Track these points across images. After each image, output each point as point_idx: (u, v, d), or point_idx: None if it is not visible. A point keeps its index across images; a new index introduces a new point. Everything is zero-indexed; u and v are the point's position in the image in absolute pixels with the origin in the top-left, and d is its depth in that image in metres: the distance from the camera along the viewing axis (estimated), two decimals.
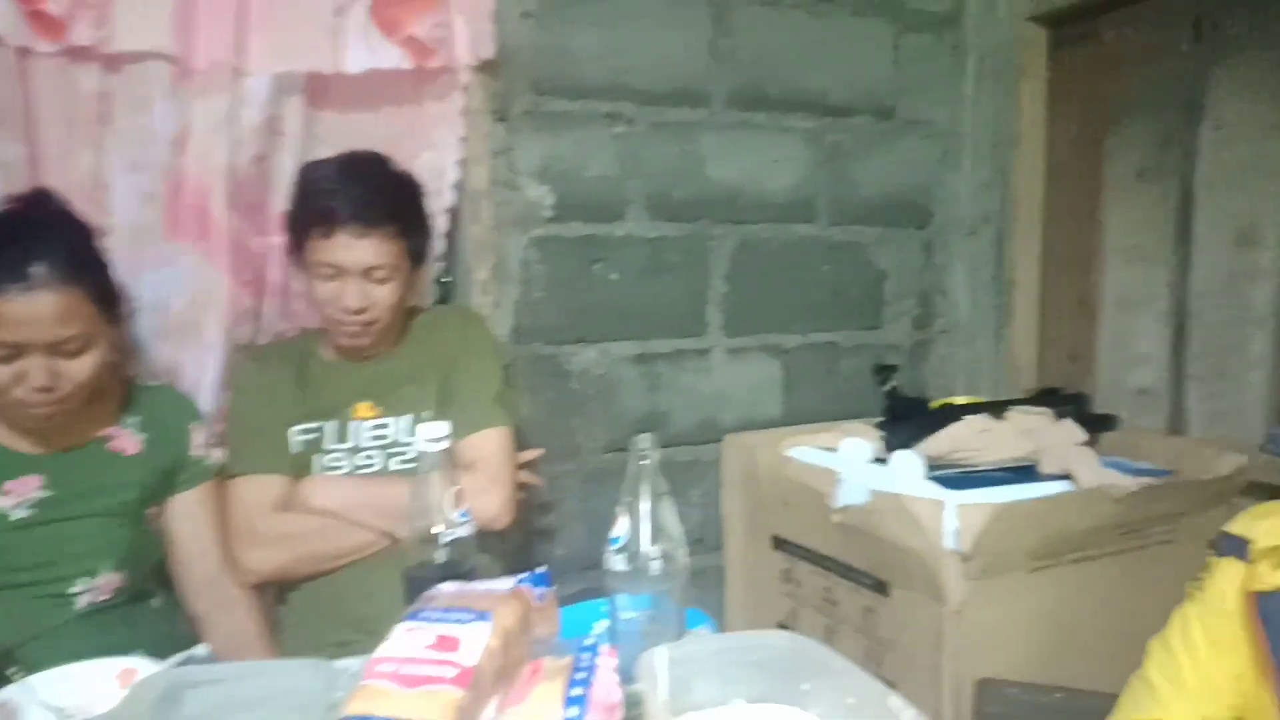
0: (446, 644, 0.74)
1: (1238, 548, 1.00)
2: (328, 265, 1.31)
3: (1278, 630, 0.94)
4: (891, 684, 1.49)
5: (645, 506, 0.88)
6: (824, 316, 2.08)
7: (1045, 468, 1.54)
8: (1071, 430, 1.58)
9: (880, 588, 1.51)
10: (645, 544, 0.87)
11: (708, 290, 1.95)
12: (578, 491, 1.83)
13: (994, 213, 2.14)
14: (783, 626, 1.77)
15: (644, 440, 0.88)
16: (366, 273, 1.31)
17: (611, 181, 1.82)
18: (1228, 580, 1.01)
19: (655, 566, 0.87)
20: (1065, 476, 1.50)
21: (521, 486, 1.43)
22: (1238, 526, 1.02)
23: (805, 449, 1.78)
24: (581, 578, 1.65)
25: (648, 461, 0.88)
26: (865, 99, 2.06)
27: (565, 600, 1.00)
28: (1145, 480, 1.50)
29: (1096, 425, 1.75)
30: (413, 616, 0.78)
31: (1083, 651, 1.40)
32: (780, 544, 1.78)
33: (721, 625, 2.06)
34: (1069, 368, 2.04)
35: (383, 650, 0.74)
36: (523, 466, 1.45)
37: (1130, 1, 1.85)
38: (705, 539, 1.96)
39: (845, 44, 2.02)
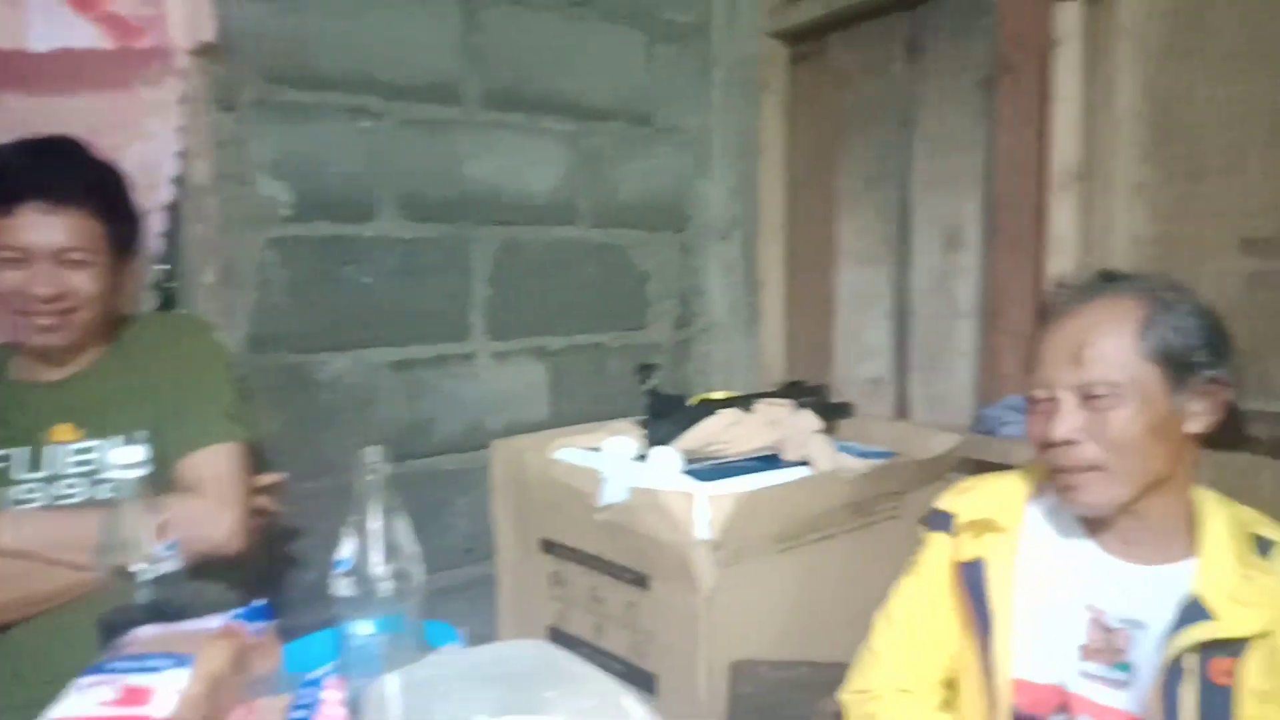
0: (134, 697, 0.66)
1: (944, 522, 1.11)
2: (11, 248, 1.14)
3: (979, 596, 1.04)
4: (654, 675, 1.56)
5: (376, 525, 0.84)
6: (589, 318, 2.10)
7: (787, 455, 1.64)
8: (810, 419, 1.70)
9: (641, 581, 1.54)
10: (375, 565, 0.83)
11: (470, 293, 1.90)
12: (330, 511, 1.72)
13: (743, 217, 2.26)
14: (553, 630, 1.76)
15: (371, 454, 0.84)
16: (58, 256, 1.16)
17: (359, 179, 1.73)
18: (936, 553, 1.11)
19: (387, 588, 0.83)
20: (805, 462, 1.60)
21: (260, 513, 1.32)
22: (944, 503, 1.13)
23: (571, 450, 1.79)
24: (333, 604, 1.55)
25: (375, 477, 0.83)
26: (622, 105, 2.10)
27: (314, 628, 0.93)
28: (872, 461, 1.64)
29: (834, 413, 1.89)
30: (95, 670, 0.69)
31: (827, 625, 1.50)
32: (549, 547, 1.77)
33: (495, 635, 2.03)
34: (813, 361, 2.20)
35: (53, 713, 0.64)
36: (260, 491, 1.33)
37: (853, 22, 2.02)
38: (476, 548, 1.91)
39: (600, 50, 2.05)
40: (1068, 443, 0.94)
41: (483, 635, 1.64)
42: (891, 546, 1.50)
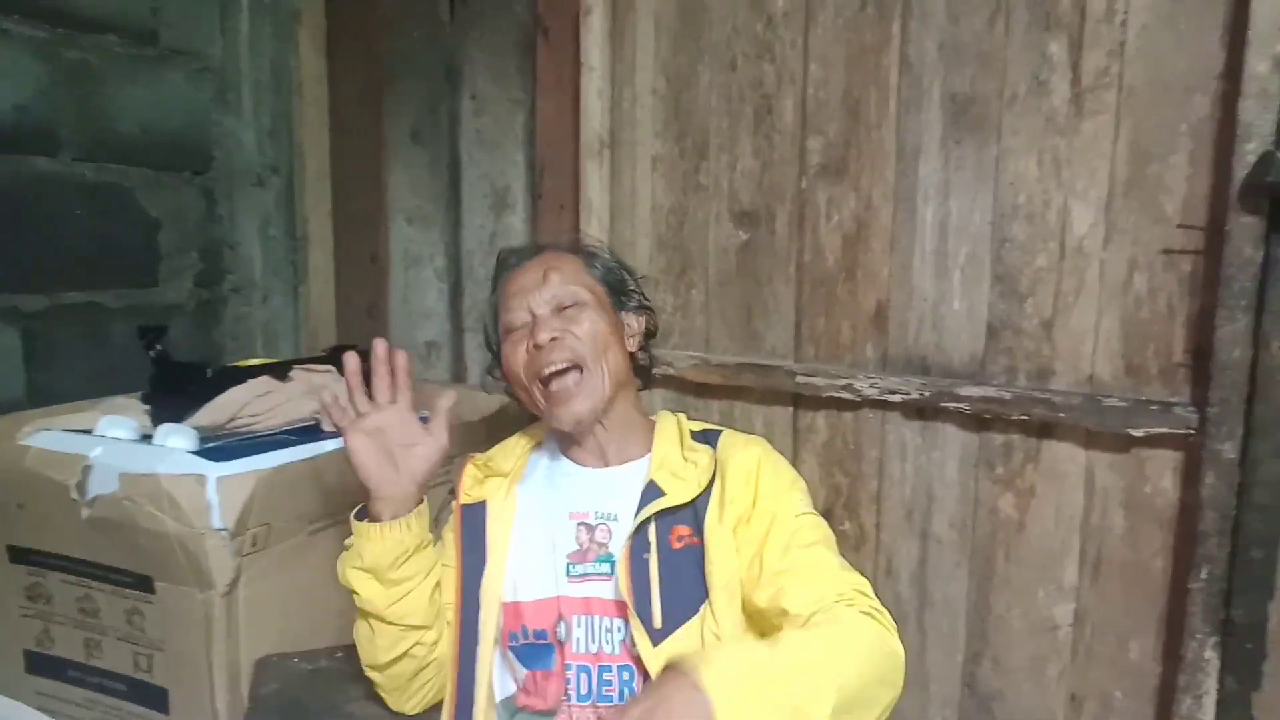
0: None
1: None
2: None
3: (477, 534, 1.11)
4: (165, 690, 1.34)
5: None
6: (81, 273, 1.73)
7: (327, 425, 1.50)
8: None
9: (144, 585, 1.31)
10: None
11: None
12: None
13: (282, 164, 2.04)
14: (33, 655, 1.43)
15: None
16: None
17: None
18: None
19: None
20: None
21: None
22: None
23: (52, 434, 1.45)
24: None
25: None
26: (118, 15, 1.74)
27: None
28: None
29: None
30: None
31: None
32: (21, 555, 1.43)
33: None
34: (367, 324, 2.07)
35: None
36: None
37: None
38: None
39: None
40: (553, 341, 1.07)
41: None
42: (445, 513, 1.46)
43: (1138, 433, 1.28)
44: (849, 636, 0.87)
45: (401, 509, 1.06)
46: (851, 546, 1.52)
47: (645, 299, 1.22)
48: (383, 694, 1.14)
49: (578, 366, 1.07)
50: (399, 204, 2.01)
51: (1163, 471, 1.30)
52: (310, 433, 1.52)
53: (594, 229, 1.65)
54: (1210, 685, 1.25)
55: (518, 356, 1.10)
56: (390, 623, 1.06)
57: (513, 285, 1.14)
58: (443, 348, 2.00)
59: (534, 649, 1.06)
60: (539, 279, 1.12)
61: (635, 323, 1.19)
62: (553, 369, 1.07)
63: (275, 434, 1.50)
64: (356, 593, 1.06)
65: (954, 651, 1.47)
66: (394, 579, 1.05)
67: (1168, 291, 1.27)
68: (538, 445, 1.20)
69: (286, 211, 2.06)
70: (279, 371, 1.63)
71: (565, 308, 1.10)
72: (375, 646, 1.08)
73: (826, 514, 1.51)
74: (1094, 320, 1.32)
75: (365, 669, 1.12)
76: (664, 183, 1.65)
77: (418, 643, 1.09)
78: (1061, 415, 1.33)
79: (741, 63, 1.56)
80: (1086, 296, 1.33)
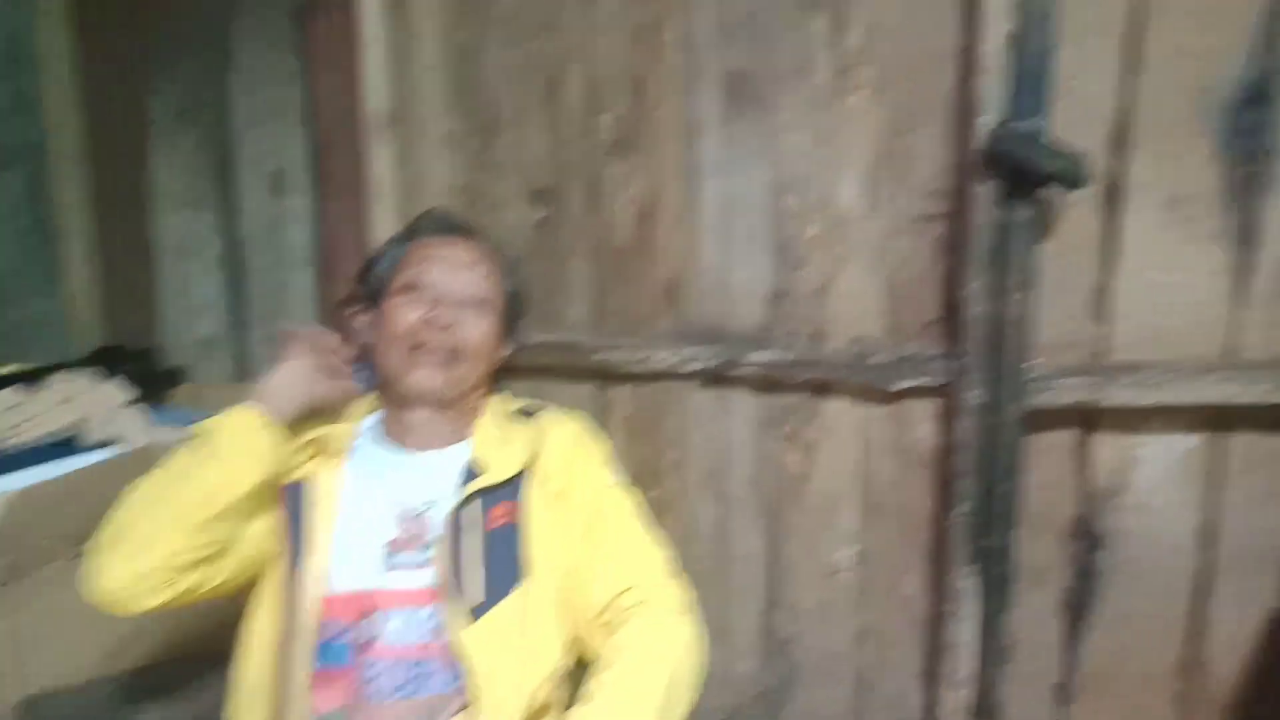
0: None
1: None
2: None
3: (297, 517, 1.06)
4: None
5: None
6: None
7: (89, 437, 1.38)
8: (115, 392, 1.45)
9: None
10: None
11: None
12: None
13: (26, 146, 1.83)
14: None
15: None
16: None
17: None
18: None
19: None
20: (111, 442, 1.37)
21: None
22: None
23: None
24: None
25: None
26: None
27: None
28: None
29: (157, 382, 1.66)
30: None
31: (153, 620, 1.31)
32: None
33: None
34: (135, 322, 1.90)
35: None
36: None
37: None
38: None
39: None
40: (451, 325, 1.09)
41: None
42: None
43: (902, 385, 1.39)
44: (676, 679, 0.99)
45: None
46: (658, 513, 1.56)
47: (522, 336, 1.28)
48: (102, 555, 0.99)
49: (458, 355, 1.11)
50: (166, 188, 1.85)
51: (925, 419, 1.42)
52: (66, 446, 1.39)
53: (383, 209, 1.59)
54: (970, 610, 1.39)
55: (407, 315, 1.10)
56: (206, 522, 0.99)
57: (439, 249, 1.14)
58: (222, 343, 1.87)
59: (328, 646, 1.03)
60: (471, 262, 1.14)
61: (506, 350, 1.23)
62: (431, 348, 1.09)
63: (24, 449, 1.36)
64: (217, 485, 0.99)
65: (753, 602, 1.56)
66: (253, 497, 1.01)
67: (923, 255, 1.39)
68: (364, 426, 1.18)
69: (34, 200, 1.85)
70: (31, 380, 1.48)
71: (475, 303, 1.13)
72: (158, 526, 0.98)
73: (634, 485, 1.56)
74: (860, 285, 1.42)
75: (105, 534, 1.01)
76: (455, 161, 1.62)
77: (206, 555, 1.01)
78: (836, 374, 1.43)
79: (529, 37, 1.54)
80: (853, 263, 1.42)
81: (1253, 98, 1.25)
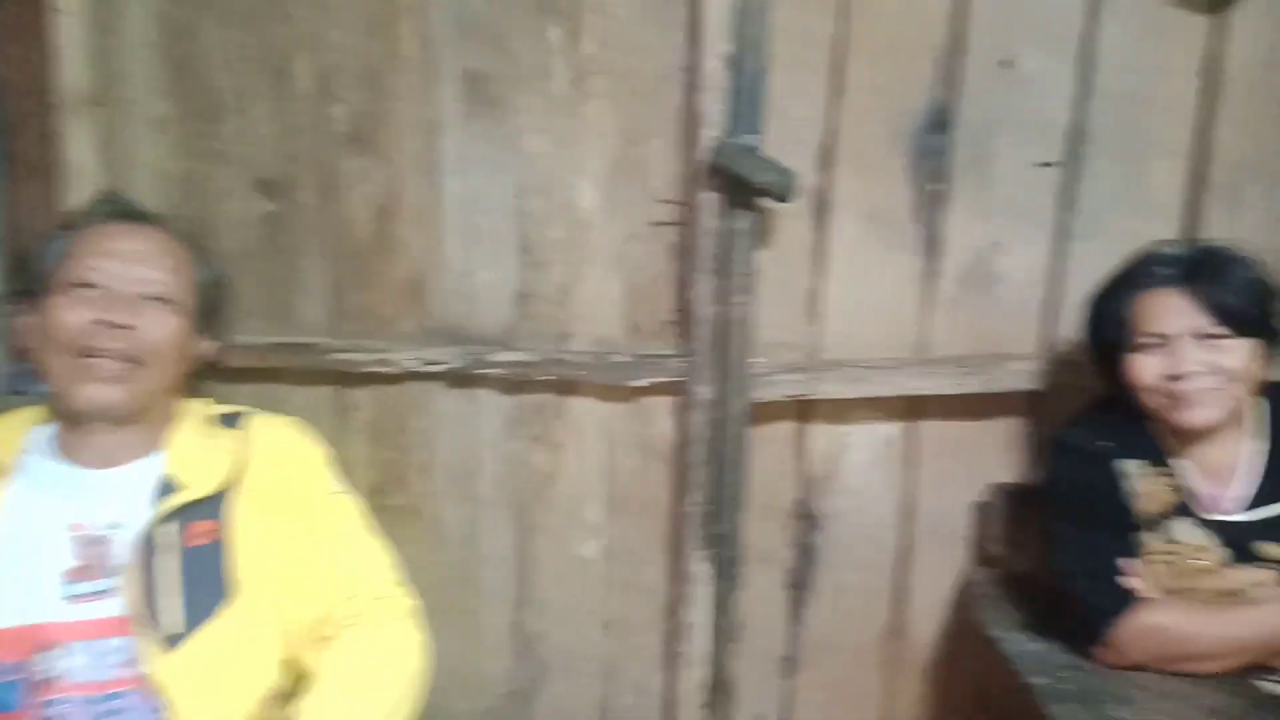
0: None
1: None
2: None
3: None
4: None
5: None
6: None
7: None
8: None
9: None
10: None
11: None
12: None
13: None
14: None
15: None
16: None
17: None
18: None
19: None
20: None
21: None
22: None
23: None
24: None
25: None
26: None
27: None
28: None
29: None
30: None
31: None
32: None
33: None
34: None
35: None
36: None
37: None
38: None
39: None
40: (127, 327, 0.98)
41: None
42: None
43: (641, 383, 1.45)
44: (395, 689, 0.97)
45: None
46: (404, 518, 1.53)
47: (227, 332, 1.18)
48: None
49: (136, 361, 1.00)
50: None
51: (663, 415, 1.49)
52: None
53: (82, 196, 1.42)
54: (705, 593, 1.48)
55: (71, 317, 0.96)
56: None
57: (112, 240, 1.02)
58: None
59: None
60: (149, 253, 1.03)
61: (206, 348, 1.13)
62: (104, 354, 0.97)
63: None
64: None
65: (504, 603, 1.57)
66: None
67: (658, 259, 1.45)
68: (32, 436, 1.03)
69: None
70: None
71: (157, 300, 1.02)
72: None
73: (378, 491, 1.52)
74: (601, 287, 1.47)
75: None
76: (170, 146, 1.48)
77: None
78: (580, 373, 1.46)
79: (255, 19, 1.44)
80: (594, 266, 1.46)
81: (935, 125, 1.42)
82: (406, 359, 1.47)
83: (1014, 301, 1.46)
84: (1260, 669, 1.11)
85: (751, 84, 1.32)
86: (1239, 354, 1.11)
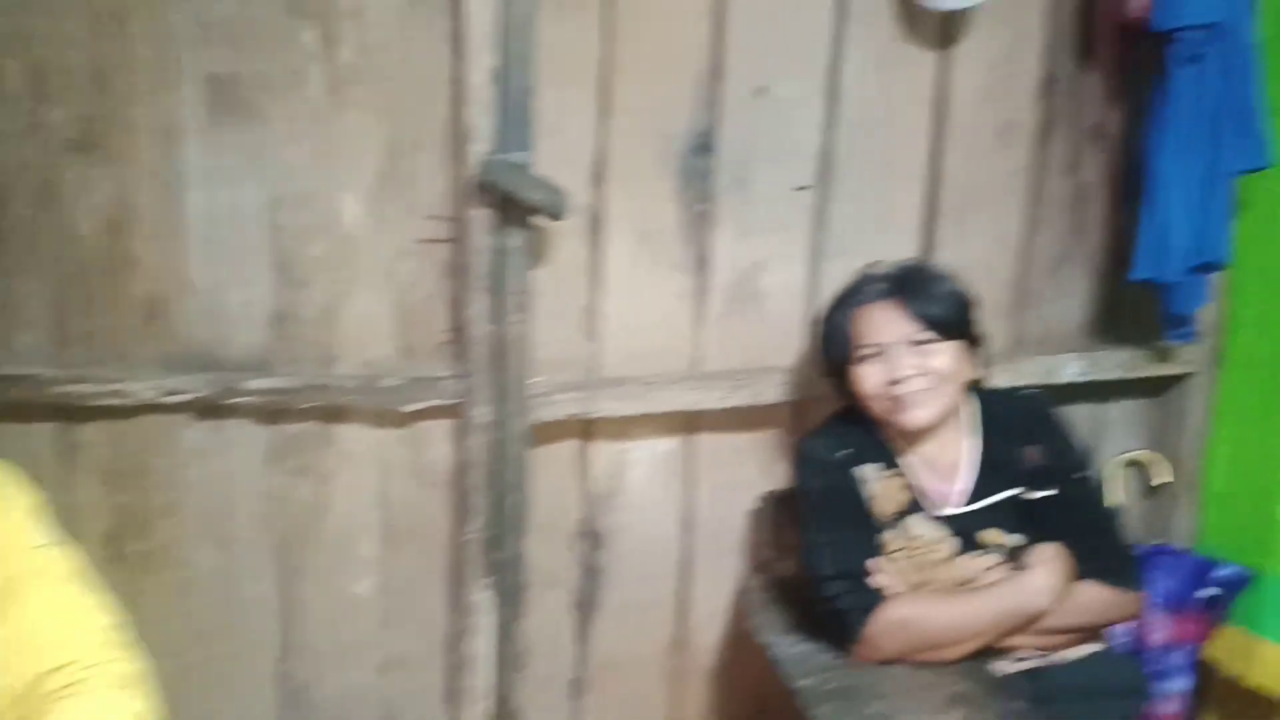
0: None
1: None
2: None
3: None
4: None
5: None
6: None
7: None
8: None
9: None
10: None
11: None
12: None
13: None
14: None
15: None
16: None
17: None
18: None
19: None
20: None
21: None
22: None
23: None
24: None
25: None
26: None
27: None
28: None
29: None
30: None
31: None
32: None
33: None
34: None
35: None
36: None
37: None
38: None
39: None
40: None
41: None
42: None
43: (415, 407, 1.38)
44: None
45: None
46: (147, 568, 1.37)
47: None
48: None
49: None
50: None
51: (439, 440, 1.44)
52: None
53: None
54: (488, 622, 1.43)
55: None
56: None
57: None
58: None
59: None
60: None
61: None
62: None
63: None
64: None
65: (267, 652, 1.44)
66: None
67: (429, 277, 1.40)
68: None
69: None
70: None
71: None
72: None
73: (114, 538, 1.36)
74: (369, 306, 1.39)
75: None
76: None
77: None
78: (348, 399, 1.37)
79: None
80: (362, 283, 1.38)
81: (699, 147, 1.47)
82: (144, 389, 1.32)
83: (777, 317, 1.54)
84: (997, 653, 1.22)
85: (519, 100, 1.30)
86: (946, 356, 1.23)
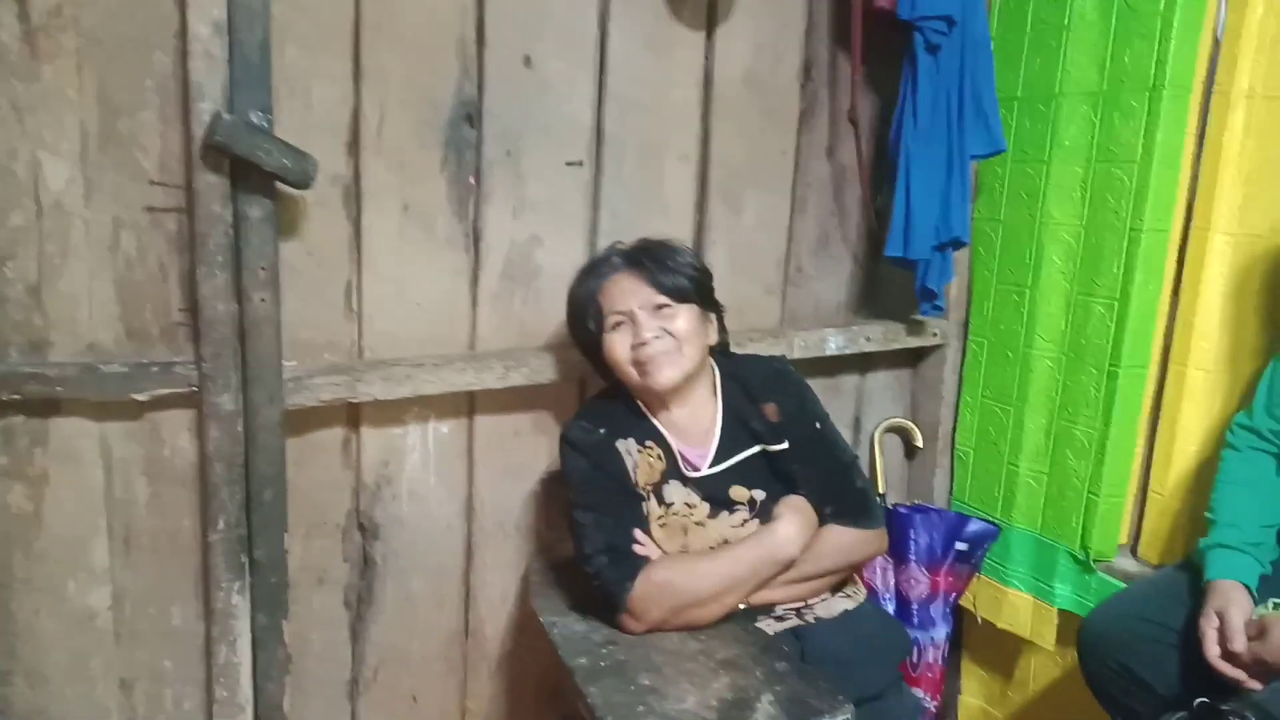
0: None
1: None
2: None
3: None
4: None
5: None
6: None
7: None
8: None
9: None
10: None
11: None
12: None
13: None
14: None
15: None
16: None
17: None
18: None
19: None
20: None
21: None
22: None
23: None
24: None
25: None
26: None
27: None
28: None
29: None
30: None
31: None
32: None
33: None
34: None
35: None
36: None
37: None
38: None
39: None
40: None
41: None
42: None
43: (145, 397, 1.24)
44: None
45: None
46: None
47: None
48: None
49: None
50: None
51: (178, 432, 1.30)
52: None
53: None
54: (242, 627, 1.31)
55: None
56: None
57: None
58: None
59: None
60: None
61: None
62: None
63: None
64: None
65: None
66: None
67: (157, 250, 1.26)
68: None
69: None
70: None
71: None
72: None
73: None
74: (86, 284, 1.23)
75: None
76: None
77: None
78: (62, 389, 1.21)
79: None
80: (75, 258, 1.22)
81: (465, 118, 1.41)
82: None
83: (553, 296, 1.50)
84: (759, 611, 1.26)
85: (253, 55, 1.19)
86: (684, 318, 1.29)
